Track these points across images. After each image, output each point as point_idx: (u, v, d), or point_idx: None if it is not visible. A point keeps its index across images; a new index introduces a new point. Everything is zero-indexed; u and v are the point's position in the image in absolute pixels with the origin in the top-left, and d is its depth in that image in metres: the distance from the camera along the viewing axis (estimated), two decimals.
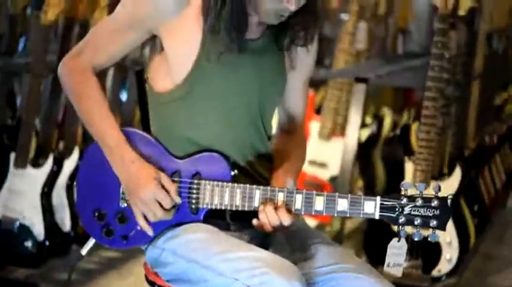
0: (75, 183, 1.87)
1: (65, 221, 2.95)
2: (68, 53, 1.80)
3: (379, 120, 3.88)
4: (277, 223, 1.61)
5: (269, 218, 1.61)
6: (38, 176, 2.85)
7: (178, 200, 1.67)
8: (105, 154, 1.72)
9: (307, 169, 3.57)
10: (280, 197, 1.63)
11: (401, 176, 3.05)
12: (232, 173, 1.68)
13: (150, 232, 1.69)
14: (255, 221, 1.64)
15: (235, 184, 1.66)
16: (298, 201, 1.62)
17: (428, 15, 5.32)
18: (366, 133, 3.76)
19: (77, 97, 1.75)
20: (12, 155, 2.85)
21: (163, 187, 1.66)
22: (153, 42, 1.82)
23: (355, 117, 3.14)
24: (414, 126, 3.18)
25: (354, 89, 3.14)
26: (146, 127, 1.86)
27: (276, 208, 1.61)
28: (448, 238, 2.94)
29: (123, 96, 3.55)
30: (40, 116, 2.97)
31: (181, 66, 1.67)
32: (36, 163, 2.88)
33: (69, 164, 2.93)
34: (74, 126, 3.09)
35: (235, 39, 1.63)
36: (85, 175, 1.82)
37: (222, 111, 1.70)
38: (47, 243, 2.87)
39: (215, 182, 1.67)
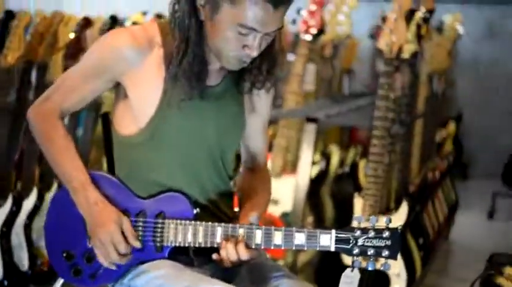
0: (43, 225, 1.91)
1: (23, 261, 2.98)
2: (37, 99, 1.85)
3: (327, 157, 4.02)
4: (236, 258, 1.68)
5: (228, 254, 1.68)
6: None
7: (137, 245, 1.73)
8: (71, 195, 1.77)
9: None
10: (241, 232, 1.69)
11: (351, 211, 3.17)
12: (195, 211, 1.75)
13: (112, 267, 1.75)
14: (214, 256, 1.71)
15: (198, 222, 1.72)
16: (258, 236, 1.69)
17: (370, 56, 5.56)
18: (314, 170, 3.89)
19: (44, 140, 1.81)
20: None
21: (123, 232, 1.72)
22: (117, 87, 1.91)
23: (306, 155, 3.26)
24: (362, 164, 3.31)
25: (305, 129, 3.26)
26: (111, 168, 1.94)
27: (236, 244, 1.68)
28: (396, 270, 3.06)
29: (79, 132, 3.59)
30: None
31: (145, 111, 1.74)
32: None
33: (28, 204, 2.97)
34: (31, 167, 3.14)
35: (195, 87, 1.71)
36: (53, 217, 1.86)
37: (183, 154, 1.77)
38: (6, 283, 2.89)
39: (178, 221, 1.73)
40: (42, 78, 3.18)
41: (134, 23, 3.69)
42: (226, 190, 1.85)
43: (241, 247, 1.68)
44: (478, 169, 6.81)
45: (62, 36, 3.22)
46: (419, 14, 3.35)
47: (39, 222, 3.06)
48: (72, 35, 3.35)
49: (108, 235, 1.71)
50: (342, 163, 4.11)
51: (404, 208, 3.19)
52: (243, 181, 1.93)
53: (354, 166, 3.32)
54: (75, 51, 3.32)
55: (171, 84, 1.72)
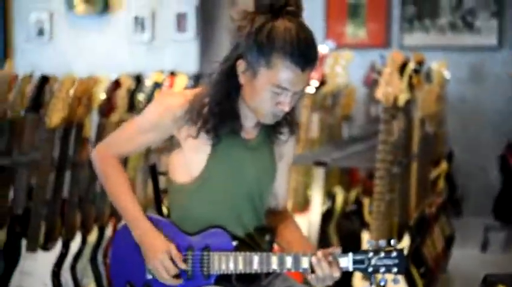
0: (108, 260, 2.27)
1: None
2: (99, 143, 2.23)
3: (332, 197, 4.38)
4: (328, 273, 1.98)
5: (322, 269, 1.98)
6: (48, 258, 3.23)
7: (183, 267, 2.06)
8: (128, 226, 2.11)
9: None
10: (289, 260, 2.02)
11: (355, 246, 3.51)
12: (234, 243, 2.08)
13: (175, 282, 2.07)
14: (309, 277, 2.01)
15: (237, 253, 2.06)
16: (289, 261, 2.02)
17: (366, 102, 5.95)
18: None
19: (105, 178, 2.15)
20: (24, 241, 3.24)
21: (171, 258, 2.06)
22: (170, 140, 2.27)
23: (317, 196, 3.62)
24: (366, 202, 3.68)
25: (315, 172, 3.63)
26: (158, 209, 2.31)
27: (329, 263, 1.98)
28: None
29: None
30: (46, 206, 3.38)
31: (197, 163, 2.08)
32: (46, 247, 3.27)
33: (74, 247, 3.32)
34: (73, 214, 3.51)
35: (238, 140, 2.07)
36: (116, 252, 2.21)
37: (228, 198, 2.11)
38: None
39: (221, 252, 2.07)
40: (80, 136, 3.56)
41: (156, 83, 4.09)
42: (261, 225, 2.19)
43: (335, 265, 1.99)
44: (471, 204, 7.11)
45: (95, 97, 3.62)
46: (411, 66, 3.73)
47: (82, 263, 3.43)
48: (103, 96, 3.75)
49: (159, 261, 2.05)
50: (345, 202, 4.47)
51: (406, 240, 3.53)
52: (271, 220, 2.24)
53: (359, 205, 3.67)
54: (106, 110, 3.70)
55: (216, 139, 2.06)
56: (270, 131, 2.15)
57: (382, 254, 1.99)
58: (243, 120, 2.09)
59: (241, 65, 2.01)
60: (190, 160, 2.10)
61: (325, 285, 2.03)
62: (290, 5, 1.98)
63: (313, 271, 2.01)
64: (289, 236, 2.19)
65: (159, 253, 2.06)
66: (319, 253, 2.01)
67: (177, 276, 2.08)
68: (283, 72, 1.95)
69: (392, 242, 2.02)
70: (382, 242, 2.01)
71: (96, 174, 2.22)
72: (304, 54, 1.95)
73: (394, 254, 2.00)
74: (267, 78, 1.97)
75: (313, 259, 2.00)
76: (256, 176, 2.13)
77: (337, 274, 2.00)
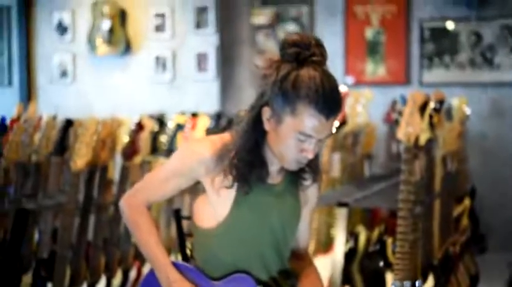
0: None
1: None
2: (127, 191, 2.27)
3: (355, 237, 4.37)
4: None
5: None
6: None
7: None
8: (155, 272, 2.14)
9: None
10: None
11: (378, 285, 3.50)
12: None
13: None
14: None
15: None
16: None
17: (387, 140, 5.96)
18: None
19: (134, 226, 2.19)
20: (49, 285, 3.27)
21: None
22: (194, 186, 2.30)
23: (340, 236, 3.63)
24: (389, 242, 3.67)
25: (338, 213, 3.64)
26: (183, 254, 2.33)
27: None
28: None
29: None
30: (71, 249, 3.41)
31: (222, 208, 2.11)
32: None
33: None
34: (98, 257, 3.54)
35: (261, 185, 2.10)
36: None
37: (252, 242, 2.14)
38: None
39: None
40: (104, 178, 3.61)
41: (178, 125, 4.14)
42: (285, 269, 2.21)
43: None
44: (495, 241, 7.06)
45: (119, 140, 3.67)
46: (431, 105, 3.74)
47: None
48: (126, 138, 3.80)
49: None
50: (368, 242, 4.46)
51: (430, 281, 3.52)
52: (294, 263, 2.26)
53: (383, 244, 3.67)
54: (130, 152, 3.75)
55: (243, 185, 2.09)
56: (295, 177, 2.17)
57: None
58: (269, 166, 2.12)
59: (266, 112, 2.05)
60: (215, 205, 2.13)
61: None
62: (315, 55, 2.01)
63: None
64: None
65: None
66: None
67: None
68: (308, 120, 1.99)
69: (417, 283, 2.03)
70: (407, 284, 2.02)
71: (124, 221, 2.25)
72: (329, 103, 1.99)
73: None
74: (292, 125, 2.00)
75: None
76: (281, 221, 2.16)
77: None
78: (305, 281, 2.23)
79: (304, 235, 2.29)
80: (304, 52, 2.01)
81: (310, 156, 2.04)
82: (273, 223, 2.15)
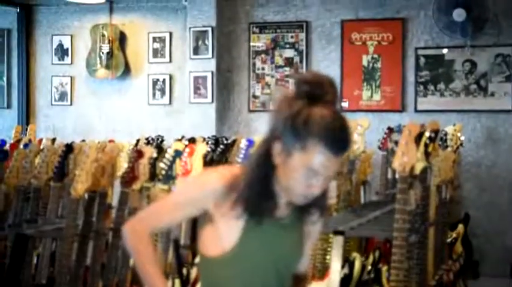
0: None
1: None
2: (133, 217, 2.29)
3: (350, 264, 4.41)
4: None
5: None
6: None
7: None
8: None
9: None
10: None
11: None
12: None
13: None
14: None
15: None
16: None
17: (382, 167, 6.02)
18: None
19: (135, 252, 2.21)
20: None
21: None
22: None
23: (335, 264, 3.67)
24: (384, 269, 3.71)
25: (333, 240, 3.68)
26: (182, 281, 2.38)
27: None
28: None
29: None
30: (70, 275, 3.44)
31: (229, 238, 2.14)
32: None
33: None
34: (96, 281, 3.57)
35: (269, 218, 2.14)
36: None
37: (257, 272, 2.18)
38: None
39: None
40: (103, 204, 3.65)
41: (177, 151, 4.18)
42: None
43: None
44: (488, 267, 7.10)
45: (118, 166, 3.71)
46: (426, 135, 3.80)
47: None
48: (126, 165, 3.84)
49: None
50: (363, 268, 4.49)
51: None
52: None
53: (378, 272, 3.71)
54: (129, 179, 3.79)
55: (251, 217, 2.13)
56: (301, 211, 2.21)
57: None
58: (277, 199, 2.17)
59: (277, 147, 2.10)
60: (223, 235, 2.17)
61: None
62: (327, 94, 2.08)
63: None
64: None
65: None
66: None
67: None
68: (317, 157, 2.03)
69: None
70: None
71: (126, 247, 2.28)
72: (338, 141, 2.04)
73: None
74: (301, 161, 2.05)
75: None
76: (286, 254, 2.21)
77: None
78: None
79: (305, 263, 2.34)
80: (317, 91, 2.07)
81: (317, 192, 2.09)
82: (278, 254, 2.20)
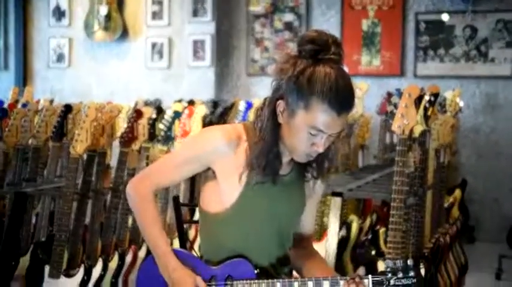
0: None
1: None
2: (136, 175, 2.29)
3: (347, 226, 4.43)
4: None
5: None
6: (70, 284, 3.29)
7: None
8: (155, 259, 2.18)
9: None
10: (310, 285, 2.10)
11: (370, 273, 3.55)
12: (256, 271, 2.16)
13: None
14: None
15: (260, 280, 2.13)
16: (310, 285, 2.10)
17: (381, 132, 6.02)
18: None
19: (138, 211, 2.22)
20: (47, 267, 3.31)
21: None
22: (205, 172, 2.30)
23: (334, 225, 3.68)
24: (382, 231, 3.72)
25: (332, 202, 3.70)
26: (181, 240, 2.38)
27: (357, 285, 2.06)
28: None
29: None
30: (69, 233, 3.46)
31: (231, 194, 2.15)
32: (68, 273, 3.34)
33: (96, 273, 3.39)
34: (95, 241, 3.59)
35: (272, 175, 2.14)
36: (142, 282, 2.26)
37: (257, 229, 2.19)
38: None
39: (244, 281, 2.14)
40: (102, 164, 3.65)
41: (176, 112, 4.18)
42: (285, 256, 2.27)
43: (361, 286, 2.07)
44: (484, 233, 7.15)
45: (117, 126, 3.71)
46: (426, 98, 3.80)
47: None
48: (125, 125, 3.84)
49: None
50: (360, 231, 4.52)
51: (421, 269, 3.58)
52: (296, 255, 2.32)
53: (375, 233, 3.72)
54: (128, 139, 3.79)
55: (253, 173, 2.13)
56: (302, 169, 2.23)
57: (400, 274, 2.07)
58: (281, 157, 2.17)
59: (280, 105, 2.10)
60: (224, 192, 2.17)
61: None
62: (332, 53, 2.06)
63: None
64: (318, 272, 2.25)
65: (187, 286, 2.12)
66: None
67: None
68: (320, 115, 2.03)
69: (409, 262, 2.09)
70: (399, 263, 2.08)
71: (130, 205, 2.28)
72: (342, 100, 2.04)
73: (412, 273, 2.08)
74: (304, 120, 2.05)
75: (341, 282, 2.08)
76: (285, 211, 2.22)
77: None
78: (310, 264, 2.29)
79: (309, 224, 2.35)
80: (321, 50, 2.06)
81: (321, 150, 2.09)
82: (278, 211, 2.21)
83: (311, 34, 2.09)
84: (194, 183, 4.33)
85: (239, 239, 2.20)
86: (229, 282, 2.16)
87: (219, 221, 2.20)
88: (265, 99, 2.16)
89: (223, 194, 2.18)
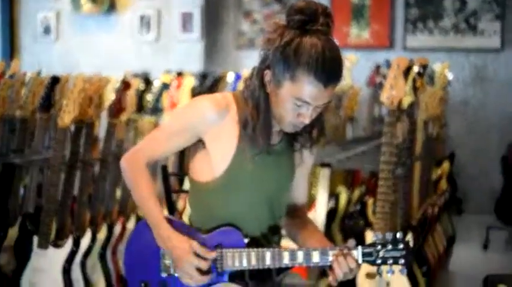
0: (124, 256, 2.32)
1: None
2: (129, 150, 2.27)
3: (336, 197, 4.45)
4: (346, 268, 2.05)
5: (340, 265, 2.05)
6: (58, 255, 3.31)
7: (213, 255, 2.11)
8: (151, 228, 2.17)
9: None
10: (300, 255, 2.10)
11: (358, 244, 3.57)
12: (246, 240, 2.15)
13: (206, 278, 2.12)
14: (330, 278, 2.08)
15: (250, 249, 2.13)
16: (300, 255, 2.09)
17: (369, 105, 6.04)
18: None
19: (133, 183, 2.21)
20: (35, 238, 3.32)
21: (198, 255, 2.12)
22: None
23: (322, 196, 3.70)
24: (370, 202, 3.74)
25: (320, 173, 3.70)
26: (170, 209, 2.38)
27: (345, 257, 2.05)
28: None
29: None
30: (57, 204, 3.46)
31: (221, 163, 2.14)
32: (57, 244, 3.35)
33: (84, 244, 3.40)
34: (83, 212, 3.58)
35: (263, 144, 2.13)
36: (132, 251, 2.26)
37: (248, 198, 2.19)
38: None
39: (234, 249, 2.13)
40: (90, 135, 3.64)
41: (164, 84, 4.17)
42: (276, 225, 2.26)
43: (350, 258, 2.06)
44: (472, 204, 7.20)
45: (105, 97, 3.69)
46: (415, 70, 3.79)
47: (92, 260, 3.51)
48: (113, 96, 3.82)
49: (188, 263, 2.11)
50: (348, 202, 4.54)
51: (409, 240, 3.59)
52: (290, 224, 2.33)
53: (363, 204, 3.74)
54: (116, 110, 3.78)
55: (243, 142, 2.13)
56: (291, 139, 2.22)
57: (390, 247, 2.07)
58: (271, 126, 2.16)
59: (267, 75, 2.09)
60: (214, 160, 2.17)
61: (345, 279, 2.09)
62: (320, 23, 2.04)
63: (331, 267, 2.08)
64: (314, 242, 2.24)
65: (184, 255, 2.12)
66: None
67: (207, 272, 2.14)
68: (306, 87, 2.02)
69: (398, 234, 2.09)
70: (389, 235, 2.08)
71: (124, 178, 2.27)
72: (328, 72, 2.02)
73: (401, 246, 2.08)
74: (290, 90, 2.04)
75: (331, 252, 2.08)
76: (275, 180, 2.22)
77: (353, 265, 2.06)
78: (305, 233, 2.28)
79: (301, 193, 2.35)
80: (310, 20, 2.04)
81: (306, 121, 2.08)
82: (268, 180, 2.20)
83: (300, 4, 2.06)
84: (184, 153, 4.32)
85: (229, 208, 2.19)
86: (218, 249, 2.16)
87: (209, 190, 2.20)
88: (253, 68, 2.15)
89: (213, 163, 2.17)
